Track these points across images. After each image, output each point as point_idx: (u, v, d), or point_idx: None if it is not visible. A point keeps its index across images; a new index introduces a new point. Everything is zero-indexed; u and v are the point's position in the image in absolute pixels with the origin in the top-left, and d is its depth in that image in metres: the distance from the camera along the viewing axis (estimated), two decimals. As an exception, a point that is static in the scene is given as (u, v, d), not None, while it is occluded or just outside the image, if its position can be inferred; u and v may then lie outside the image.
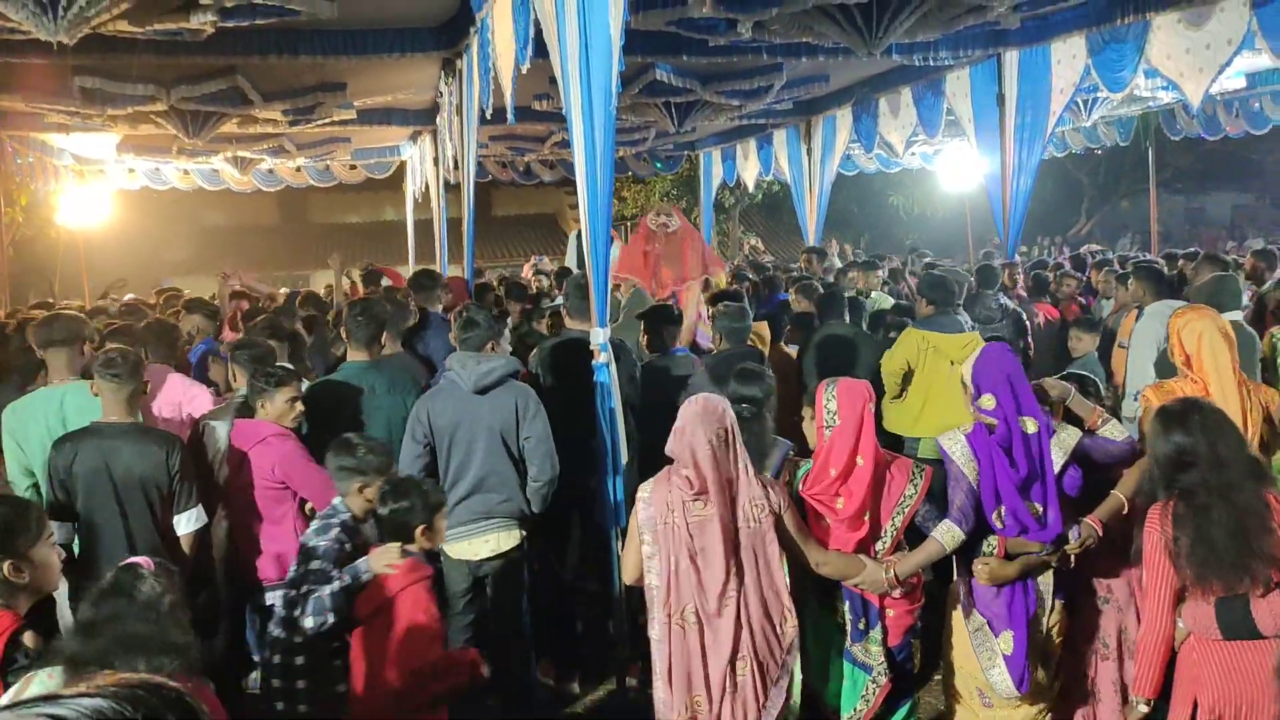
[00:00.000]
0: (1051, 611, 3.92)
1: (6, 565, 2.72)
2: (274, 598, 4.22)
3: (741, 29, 6.68)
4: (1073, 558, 3.90)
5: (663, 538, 3.47)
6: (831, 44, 7.37)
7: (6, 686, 2.52)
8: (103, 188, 14.25)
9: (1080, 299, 9.42)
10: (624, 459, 4.86)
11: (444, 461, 4.61)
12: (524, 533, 4.70)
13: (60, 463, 4.20)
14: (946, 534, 3.74)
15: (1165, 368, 5.84)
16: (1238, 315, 5.84)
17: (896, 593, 3.84)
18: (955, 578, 4.04)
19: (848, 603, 3.89)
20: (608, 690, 5.26)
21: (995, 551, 3.77)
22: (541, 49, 5.07)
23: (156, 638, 2.38)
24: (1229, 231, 28.30)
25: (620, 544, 5.00)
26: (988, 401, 3.80)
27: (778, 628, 3.45)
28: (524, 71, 5.57)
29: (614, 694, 5.16)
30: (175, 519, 4.27)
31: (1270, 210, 30.98)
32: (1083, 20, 7.92)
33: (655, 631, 3.48)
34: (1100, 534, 3.90)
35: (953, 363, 5.78)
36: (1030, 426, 3.76)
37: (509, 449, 4.60)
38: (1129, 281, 7.38)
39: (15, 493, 4.35)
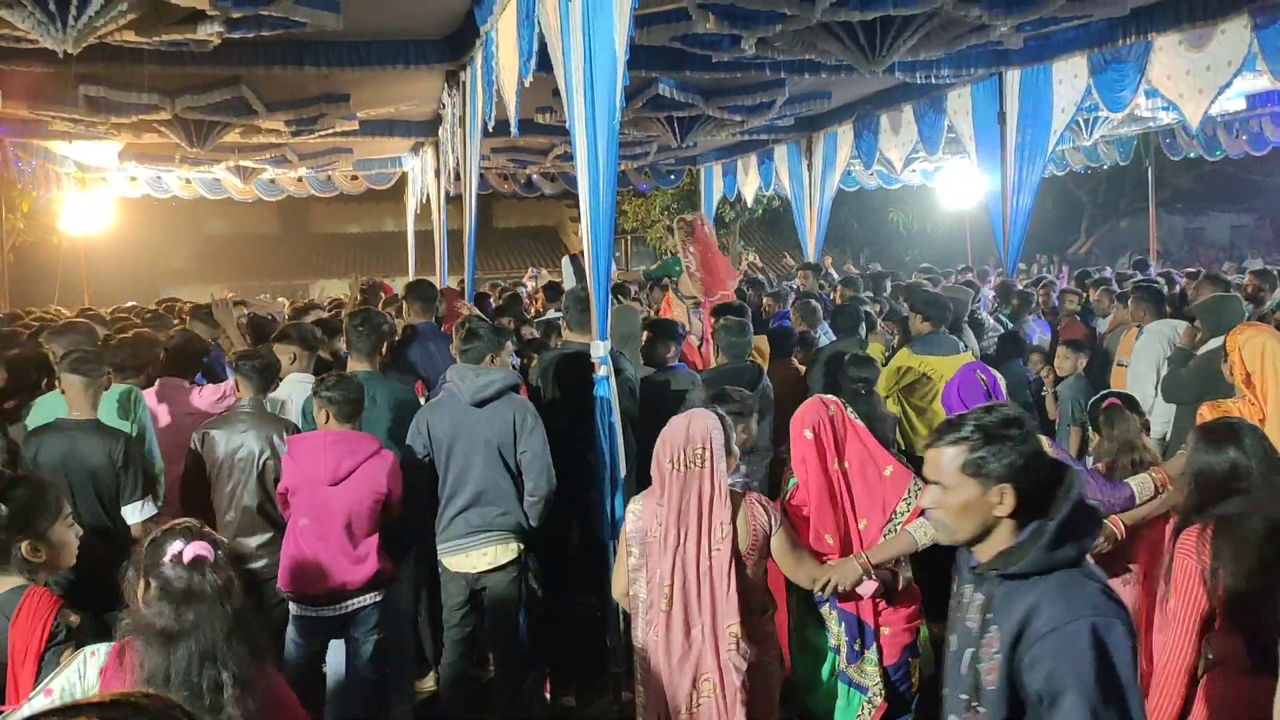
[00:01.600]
0: None
1: (25, 545, 2.80)
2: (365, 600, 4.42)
3: (745, 45, 6.72)
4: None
5: (650, 550, 3.53)
6: (834, 61, 7.41)
7: (43, 663, 2.63)
8: (104, 195, 14.29)
9: (1079, 317, 9.43)
10: (622, 473, 4.86)
11: (442, 473, 4.61)
12: (522, 546, 4.69)
13: (27, 455, 4.35)
14: (919, 529, 3.69)
15: (1169, 387, 5.84)
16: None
17: (865, 588, 3.74)
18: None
19: (843, 624, 3.87)
20: (603, 704, 5.24)
21: None
22: (545, 62, 5.09)
23: (234, 626, 2.45)
24: (1227, 252, 28.32)
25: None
26: None
27: (737, 651, 3.44)
28: (528, 84, 5.60)
29: (609, 709, 5.15)
30: (124, 509, 4.42)
31: (1269, 231, 31.02)
32: (1084, 40, 7.96)
33: (638, 640, 3.57)
34: (1121, 536, 3.90)
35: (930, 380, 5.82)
36: None
37: (506, 463, 4.59)
38: (1128, 301, 7.39)
39: None
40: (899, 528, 3.77)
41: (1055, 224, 27.32)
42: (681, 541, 3.45)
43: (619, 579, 3.69)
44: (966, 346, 6.51)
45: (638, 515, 3.59)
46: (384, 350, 5.49)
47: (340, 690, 4.65)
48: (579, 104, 4.46)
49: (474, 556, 4.59)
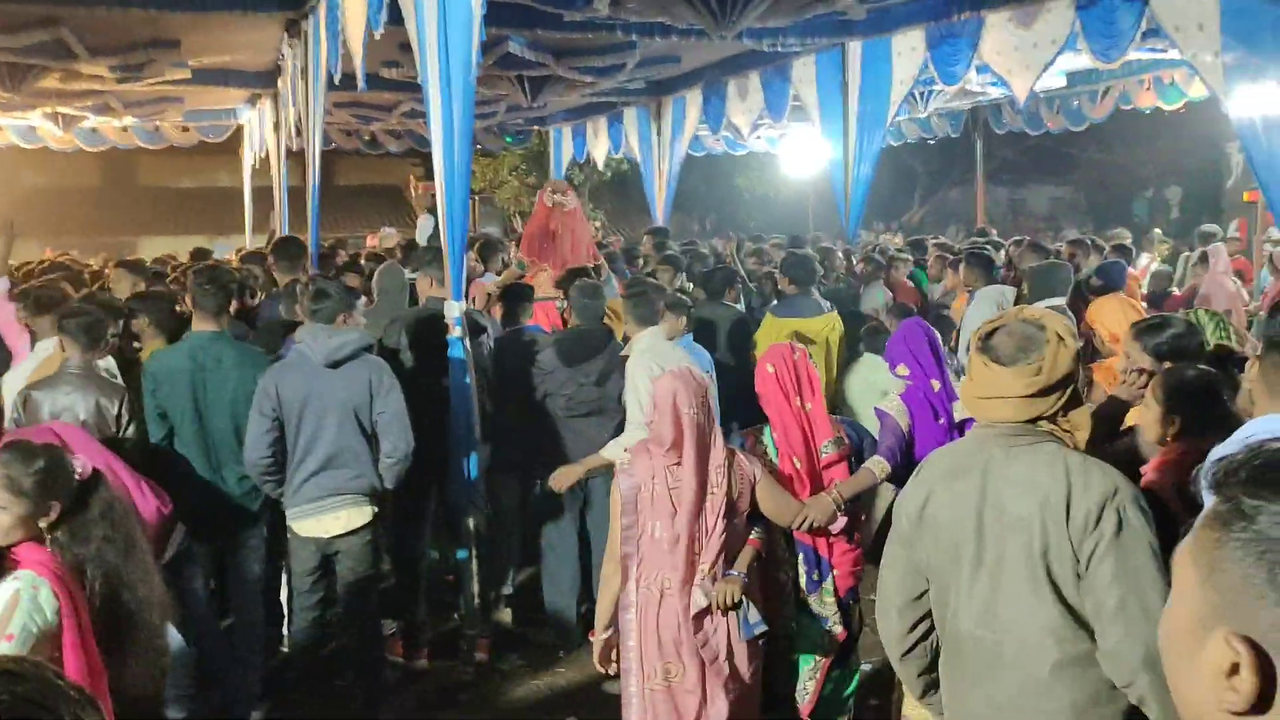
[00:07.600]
0: None
1: None
2: None
3: (598, 5, 6.70)
4: None
5: (642, 505, 3.55)
6: (685, 25, 7.47)
7: None
8: (-98, 142, 13.16)
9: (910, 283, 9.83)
10: (477, 433, 4.85)
11: (292, 437, 4.48)
12: (375, 509, 4.62)
13: None
14: (876, 464, 3.99)
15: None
16: (1062, 300, 6.22)
17: (837, 524, 3.94)
18: None
19: (801, 554, 4.03)
20: (457, 666, 5.25)
21: None
22: (395, 15, 4.96)
23: None
24: (1047, 222, 30.00)
25: (471, 519, 5.01)
26: (902, 370, 4.17)
27: (706, 583, 3.53)
28: (378, 37, 5.44)
29: (463, 670, 5.16)
30: None
31: (1085, 203, 33.03)
32: (922, 14, 8.25)
33: (627, 599, 3.55)
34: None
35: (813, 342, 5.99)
36: (935, 385, 4.09)
37: (361, 424, 4.50)
38: (959, 267, 7.77)
39: None
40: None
41: (890, 193, 28.31)
42: (698, 488, 3.51)
43: (614, 544, 3.64)
44: (832, 307, 6.72)
45: (630, 472, 3.60)
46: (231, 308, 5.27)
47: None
48: (432, 60, 4.38)
49: (326, 520, 4.50)
